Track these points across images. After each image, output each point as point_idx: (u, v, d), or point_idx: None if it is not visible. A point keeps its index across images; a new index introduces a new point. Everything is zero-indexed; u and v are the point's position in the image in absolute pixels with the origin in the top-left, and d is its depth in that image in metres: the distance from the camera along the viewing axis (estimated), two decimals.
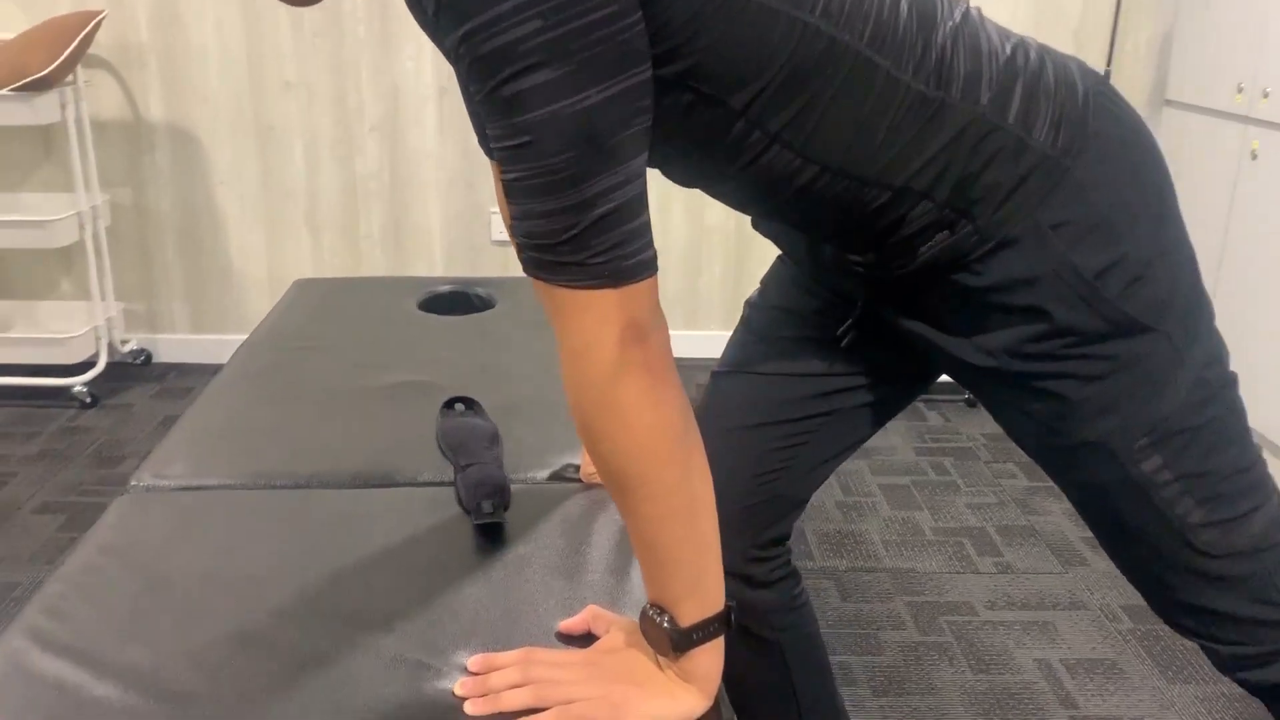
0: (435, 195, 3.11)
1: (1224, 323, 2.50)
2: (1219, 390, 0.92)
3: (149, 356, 3.23)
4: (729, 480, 1.13)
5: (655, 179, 3.12)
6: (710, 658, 0.88)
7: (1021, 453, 2.65)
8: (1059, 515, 2.37)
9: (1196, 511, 0.93)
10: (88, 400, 2.88)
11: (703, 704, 0.87)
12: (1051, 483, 2.08)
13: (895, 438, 2.77)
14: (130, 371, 3.14)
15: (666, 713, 0.86)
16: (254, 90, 3.01)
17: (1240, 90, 2.59)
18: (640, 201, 0.76)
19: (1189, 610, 0.98)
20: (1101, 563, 2.16)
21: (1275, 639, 0.97)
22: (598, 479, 1.19)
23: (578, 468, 1.28)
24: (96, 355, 2.97)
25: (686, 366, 3.08)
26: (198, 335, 3.24)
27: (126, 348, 3.18)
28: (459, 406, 1.45)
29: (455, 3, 0.69)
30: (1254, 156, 2.53)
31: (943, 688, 1.79)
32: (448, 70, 3.01)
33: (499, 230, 3.16)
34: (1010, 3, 3.06)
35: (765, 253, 3.26)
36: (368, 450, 1.38)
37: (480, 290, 2.04)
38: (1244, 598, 0.95)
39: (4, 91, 2.62)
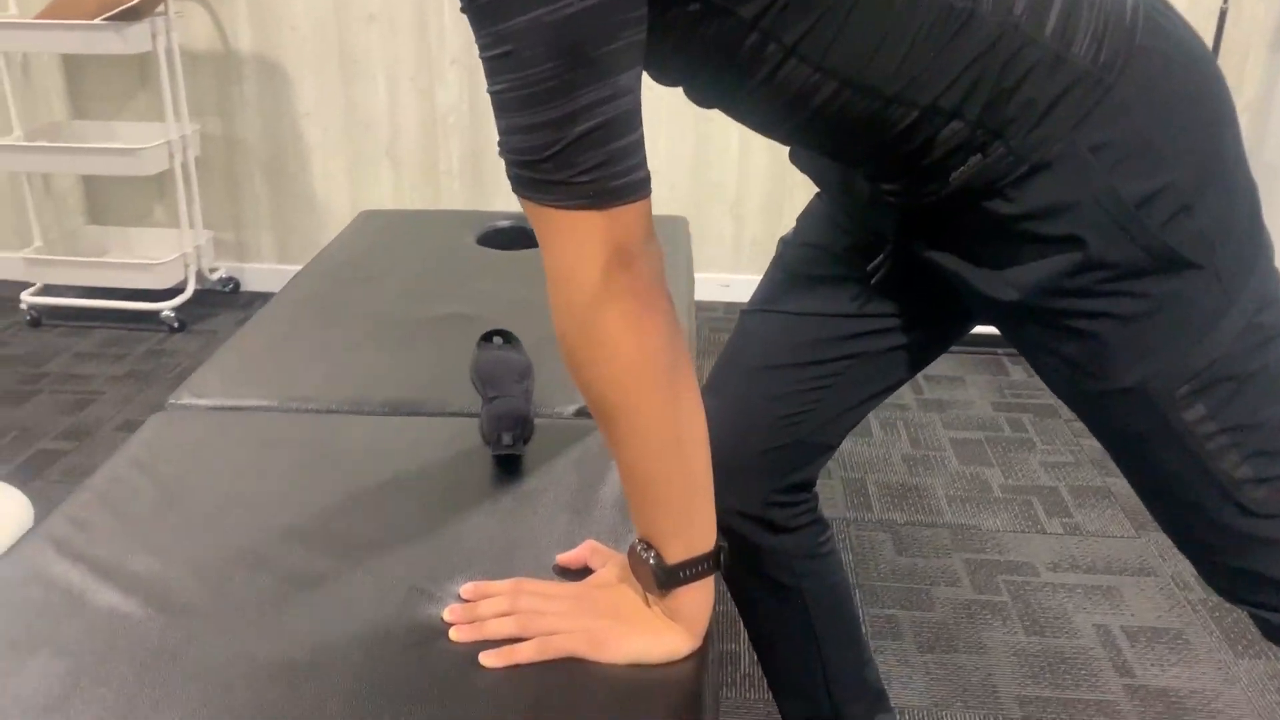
0: None
1: None
2: (1275, 336, 0.84)
3: (237, 285, 3.32)
4: (751, 422, 1.10)
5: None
6: (698, 597, 0.85)
7: None
8: None
9: (1244, 467, 0.86)
10: (175, 325, 2.98)
11: (688, 644, 0.85)
12: None
13: (972, 391, 2.68)
14: (218, 299, 3.23)
15: (649, 650, 0.84)
16: (338, 21, 3.03)
17: None
18: (630, 119, 0.72)
19: (1234, 574, 0.91)
20: None
21: None
22: None
23: None
24: (185, 282, 3.06)
25: None
26: (283, 265, 3.31)
27: (215, 275, 3.27)
28: (496, 340, 1.44)
29: None
30: None
31: (992, 647, 1.73)
32: None
33: None
34: None
35: None
36: (402, 379, 1.38)
37: None
38: None
39: (96, 21, 2.68)
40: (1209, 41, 2.72)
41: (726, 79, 0.83)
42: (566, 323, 0.78)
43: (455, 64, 3.06)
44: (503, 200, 3.19)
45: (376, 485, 1.11)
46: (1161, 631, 1.77)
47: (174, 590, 0.93)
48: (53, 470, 2.24)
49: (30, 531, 1.02)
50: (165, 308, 2.98)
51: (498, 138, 0.74)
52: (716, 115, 3.06)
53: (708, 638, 0.87)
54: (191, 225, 3.09)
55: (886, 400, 2.64)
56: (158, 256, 3.03)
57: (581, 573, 0.95)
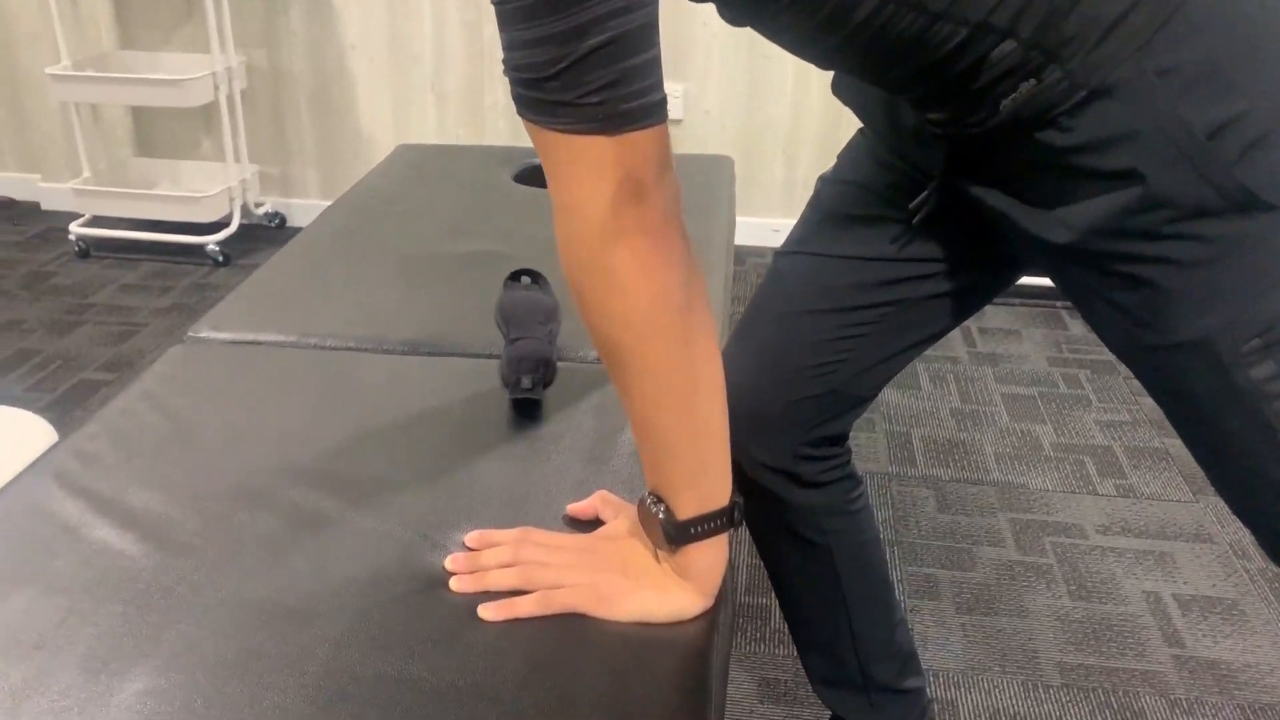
0: None
1: None
2: None
3: (283, 220, 3.30)
4: (780, 369, 1.04)
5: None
6: (710, 555, 0.80)
7: None
8: None
9: None
10: (220, 259, 2.98)
11: (698, 603, 0.81)
12: None
13: (1028, 345, 2.58)
14: (264, 233, 3.22)
15: (655, 608, 0.80)
16: None
17: None
18: (646, 34, 0.66)
19: None
20: None
21: None
22: None
23: None
24: (230, 216, 3.05)
25: None
26: (328, 201, 3.29)
27: (261, 210, 3.26)
28: (524, 279, 1.39)
29: None
30: None
31: (1035, 611, 1.67)
32: None
33: None
34: None
35: None
36: (425, 317, 1.34)
37: None
38: None
39: None
40: None
41: None
42: (573, 258, 0.73)
43: None
44: None
45: (389, 426, 1.07)
46: (1216, 601, 1.69)
47: (172, 528, 0.90)
48: (93, 401, 2.25)
49: (32, 464, 1.00)
50: (210, 241, 2.98)
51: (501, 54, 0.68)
52: (771, 52, 2.95)
53: (720, 598, 0.82)
54: (237, 159, 3.07)
55: (936, 351, 2.56)
56: (204, 190, 3.02)
57: (591, 524, 0.91)
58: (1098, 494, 1.98)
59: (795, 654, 1.52)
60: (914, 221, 0.95)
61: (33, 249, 3.07)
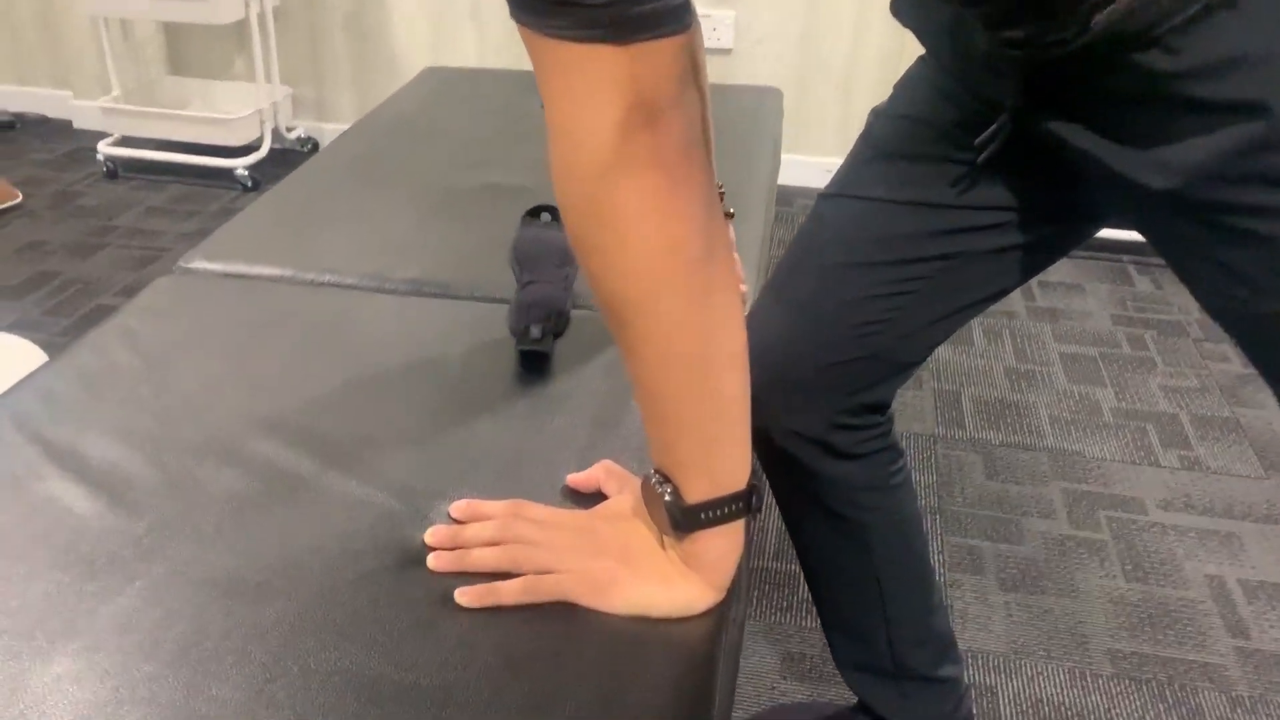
0: None
1: None
2: None
3: (316, 145, 3.20)
4: (818, 329, 0.92)
5: None
6: (722, 544, 0.70)
7: None
8: (1275, 411, 2.00)
9: None
10: (249, 184, 2.89)
11: (706, 597, 0.70)
12: None
13: (1091, 301, 2.42)
14: (296, 158, 3.12)
15: (656, 601, 0.70)
16: None
17: None
18: None
19: None
20: None
21: None
22: None
23: None
24: (260, 139, 2.95)
25: None
26: None
27: (293, 134, 3.15)
28: (544, 216, 1.28)
29: None
30: None
31: (1086, 592, 1.55)
32: None
33: None
34: None
35: None
36: (433, 254, 1.23)
37: None
38: None
39: None
40: None
41: None
42: (570, 194, 0.61)
43: None
44: None
45: (381, 376, 0.97)
46: None
47: (128, 485, 0.81)
48: None
49: None
50: (240, 165, 2.89)
51: None
52: None
53: (731, 593, 0.72)
54: (269, 79, 2.96)
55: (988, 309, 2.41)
56: (236, 111, 2.92)
57: (593, 498, 0.80)
58: (1160, 466, 1.84)
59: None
60: (979, 161, 0.81)
61: (61, 168, 3.00)
